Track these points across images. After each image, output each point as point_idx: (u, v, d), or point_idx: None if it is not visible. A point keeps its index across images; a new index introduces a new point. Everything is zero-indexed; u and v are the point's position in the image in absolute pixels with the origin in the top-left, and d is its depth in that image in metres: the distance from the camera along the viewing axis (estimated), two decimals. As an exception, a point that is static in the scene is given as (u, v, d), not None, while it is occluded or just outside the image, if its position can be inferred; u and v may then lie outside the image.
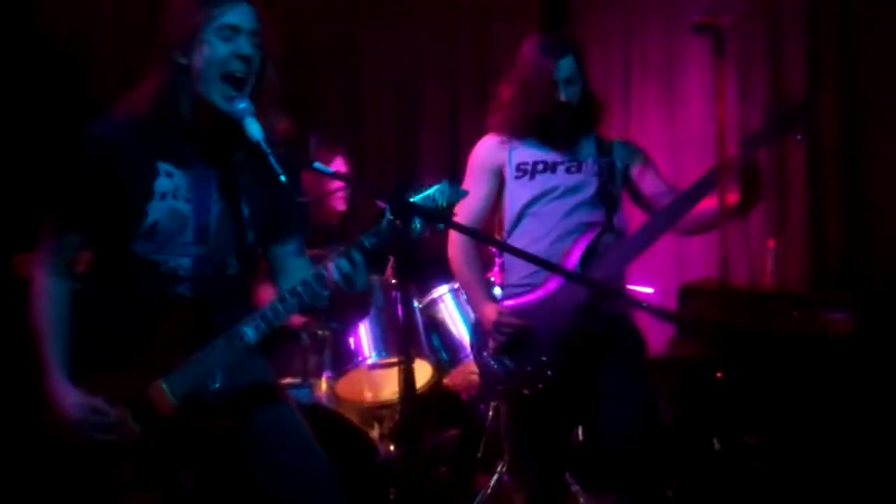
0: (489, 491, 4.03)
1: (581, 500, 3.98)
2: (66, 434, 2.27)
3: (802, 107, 3.08)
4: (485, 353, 3.16)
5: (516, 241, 3.20)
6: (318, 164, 2.23)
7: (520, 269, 3.22)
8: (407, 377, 2.17)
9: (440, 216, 2.25)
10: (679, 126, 4.85)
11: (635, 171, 3.27)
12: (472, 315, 3.97)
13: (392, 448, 4.02)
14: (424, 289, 4.06)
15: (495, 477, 4.04)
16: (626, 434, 3.00)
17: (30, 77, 4.58)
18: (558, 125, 3.21)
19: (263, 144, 2.23)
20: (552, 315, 3.05)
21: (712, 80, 2.84)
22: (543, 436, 3.24)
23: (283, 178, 2.19)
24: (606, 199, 3.21)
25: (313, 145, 4.54)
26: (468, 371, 4.13)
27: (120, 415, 2.26)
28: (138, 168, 2.31)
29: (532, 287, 3.16)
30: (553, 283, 3.11)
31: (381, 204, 2.23)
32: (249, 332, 2.29)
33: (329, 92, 5.43)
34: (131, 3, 4.85)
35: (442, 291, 4.03)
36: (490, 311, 3.20)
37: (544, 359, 3.04)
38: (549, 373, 3.04)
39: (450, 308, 4.03)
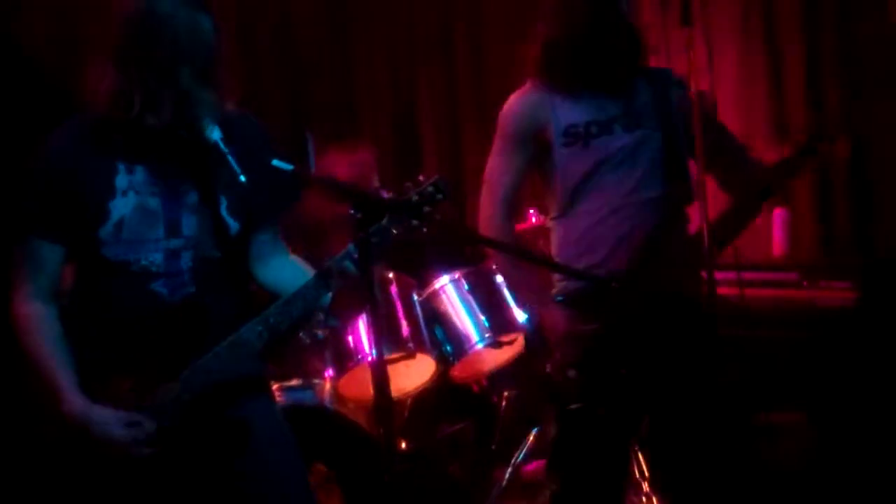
0: (505, 483, 3.98)
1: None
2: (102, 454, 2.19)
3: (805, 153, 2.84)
4: (548, 367, 2.74)
5: (572, 224, 2.75)
6: (276, 162, 2.16)
7: (573, 249, 2.75)
8: (380, 378, 2.12)
9: (425, 218, 2.21)
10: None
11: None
12: (474, 305, 3.94)
13: (403, 445, 3.98)
14: (424, 281, 4.00)
15: (510, 469, 3.99)
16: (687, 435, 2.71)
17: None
18: (609, 60, 2.69)
19: (221, 145, 2.18)
20: (623, 308, 2.64)
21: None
22: (610, 445, 2.75)
23: (242, 178, 2.14)
24: (674, 160, 2.75)
25: (310, 143, 4.50)
26: (475, 362, 4.10)
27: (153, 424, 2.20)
28: (97, 167, 2.25)
29: (590, 269, 2.71)
30: (617, 264, 2.69)
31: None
32: (254, 340, 2.24)
33: (324, 89, 5.39)
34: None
35: (443, 282, 3.95)
36: (558, 318, 2.73)
37: (623, 371, 2.66)
38: (625, 379, 2.67)
39: (452, 299, 3.94)
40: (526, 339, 2.99)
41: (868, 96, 4.21)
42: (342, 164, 4.15)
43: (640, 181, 2.73)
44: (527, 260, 2.68)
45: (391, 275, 3.88)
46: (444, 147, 5.41)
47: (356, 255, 2.20)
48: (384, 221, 2.20)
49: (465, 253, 4.46)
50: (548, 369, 2.74)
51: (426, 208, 2.21)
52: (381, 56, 5.44)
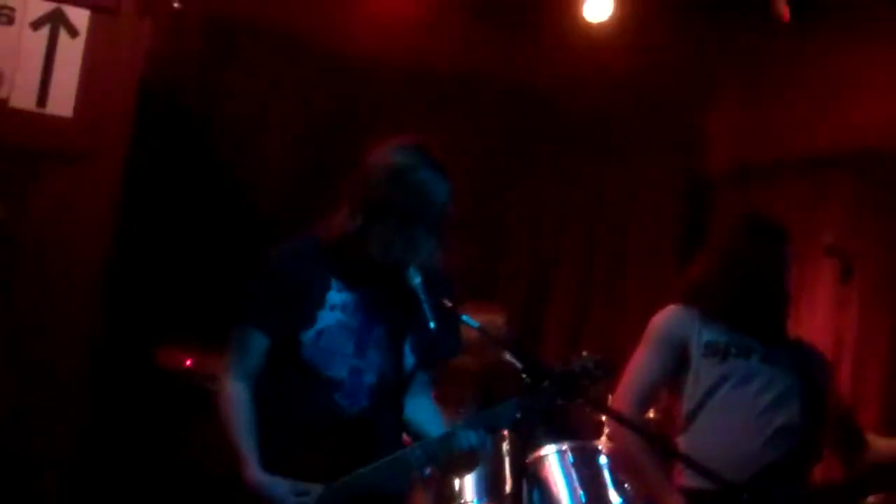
0: None
1: None
2: None
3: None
4: None
5: (699, 433, 3.01)
6: (465, 318, 2.48)
7: (707, 455, 2.88)
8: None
9: (580, 390, 2.46)
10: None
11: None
12: (574, 478, 4.09)
13: None
14: (531, 444, 4.19)
15: None
16: None
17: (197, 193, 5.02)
18: (761, 308, 3.05)
19: (419, 291, 2.48)
20: None
21: (835, 302, 2.87)
22: None
23: (431, 324, 2.44)
24: (810, 401, 2.98)
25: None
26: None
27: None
28: (315, 280, 2.59)
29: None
30: (742, 479, 2.87)
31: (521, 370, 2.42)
32: (413, 461, 2.48)
33: (467, 247, 5.72)
34: (302, 149, 5.29)
35: (549, 451, 4.11)
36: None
37: None
38: None
39: (553, 469, 4.08)
40: None
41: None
42: None
43: (773, 407, 2.99)
44: (657, 445, 2.88)
45: (506, 432, 4.09)
46: (569, 326, 5.68)
47: (517, 413, 2.43)
48: (546, 386, 2.42)
49: (575, 426, 4.65)
50: None
51: (585, 382, 2.45)
52: (526, 226, 5.81)
